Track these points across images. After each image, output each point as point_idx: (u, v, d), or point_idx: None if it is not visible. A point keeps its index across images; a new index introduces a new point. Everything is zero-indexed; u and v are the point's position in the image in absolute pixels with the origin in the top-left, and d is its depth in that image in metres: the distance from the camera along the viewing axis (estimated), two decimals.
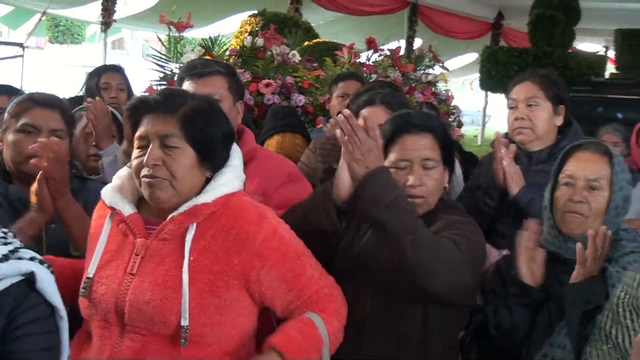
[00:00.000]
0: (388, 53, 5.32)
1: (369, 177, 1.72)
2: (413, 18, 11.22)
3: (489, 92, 12.53)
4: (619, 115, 7.11)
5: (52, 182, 1.95)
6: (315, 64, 4.71)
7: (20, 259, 1.40)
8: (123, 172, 1.78)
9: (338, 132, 1.75)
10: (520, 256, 1.98)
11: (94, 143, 2.68)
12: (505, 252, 2.16)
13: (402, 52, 5.69)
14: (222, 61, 3.83)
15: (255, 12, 5.86)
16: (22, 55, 8.30)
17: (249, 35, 4.73)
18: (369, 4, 10.24)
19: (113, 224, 1.71)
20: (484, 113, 14.85)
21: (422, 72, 5.59)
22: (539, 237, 2.01)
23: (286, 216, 1.84)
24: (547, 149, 2.52)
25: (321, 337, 1.69)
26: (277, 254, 1.68)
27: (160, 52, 4.27)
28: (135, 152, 1.69)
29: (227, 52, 4.39)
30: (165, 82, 4.09)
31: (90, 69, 3.62)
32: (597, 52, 12.01)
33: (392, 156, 1.93)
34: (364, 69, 4.86)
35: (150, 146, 1.64)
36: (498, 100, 12.67)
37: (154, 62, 4.23)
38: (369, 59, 5.19)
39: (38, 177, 1.95)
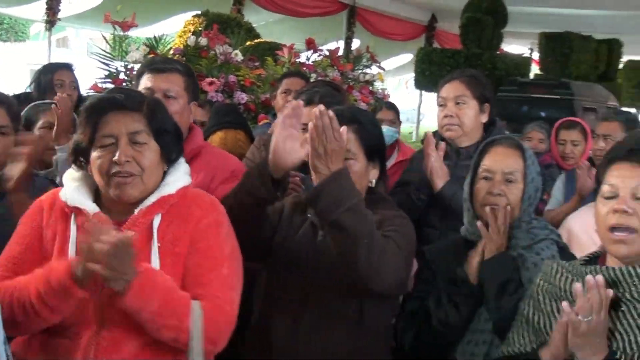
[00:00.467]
0: (327, 53, 5.36)
1: (333, 178, 1.74)
2: (351, 20, 11.33)
3: (423, 91, 12.76)
4: (542, 114, 7.46)
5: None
6: (257, 63, 4.75)
7: None
8: (75, 174, 1.76)
9: (311, 124, 1.77)
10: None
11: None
12: None
13: (340, 53, 5.74)
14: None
15: (199, 12, 5.88)
16: None
17: (192, 34, 4.74)
18: (308, 6, 10.27)
19: (78, 225, 1.68)
20: (418, 111, 14.91)
21: (360, 71, 5.65)
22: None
23: (227, 197, 1.89)
24: (473, 145, 2.58)
25: (187, 316, 1.59)
26: (206, 242, 1.71)
27: (105, 51, 4.27)
28: (99, 152, 1.69)
29: (172, 51, 4.39)
30: (110, 80, 4.10)
31: (36, 67, 3.63)
32: (523, 54, 12.33)
33: None
34: (304, 68, 4.86)
35: (121, 143, 1.66)
36: (432, 99, 12.93)
37: (99, 60, 4.23)
38: (308, 59, 5.22)
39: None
